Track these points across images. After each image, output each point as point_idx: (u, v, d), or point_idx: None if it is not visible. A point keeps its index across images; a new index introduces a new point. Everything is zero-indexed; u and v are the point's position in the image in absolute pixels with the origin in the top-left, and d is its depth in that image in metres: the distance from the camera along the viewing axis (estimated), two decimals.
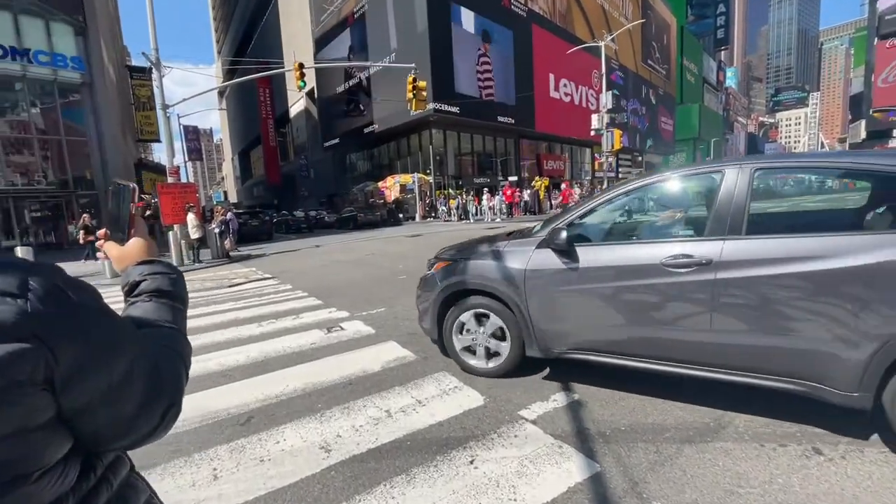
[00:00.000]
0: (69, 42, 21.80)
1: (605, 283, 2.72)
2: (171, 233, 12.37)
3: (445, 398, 3.00)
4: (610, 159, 22.84)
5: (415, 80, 13.70)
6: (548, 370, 3.31)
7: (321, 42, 38.75)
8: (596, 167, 24.98)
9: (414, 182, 26.19)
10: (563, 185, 28.11)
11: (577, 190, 27.79)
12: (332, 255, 12.72)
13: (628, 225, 3.56)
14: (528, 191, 26.04)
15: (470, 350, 3.39)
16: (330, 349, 4.20)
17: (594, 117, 22.66)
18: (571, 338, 2.92)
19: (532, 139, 37.90)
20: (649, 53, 54.04)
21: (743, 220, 2.39)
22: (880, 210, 2.56)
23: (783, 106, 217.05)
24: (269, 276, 9.58)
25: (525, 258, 2.99)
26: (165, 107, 12.41)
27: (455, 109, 27.87)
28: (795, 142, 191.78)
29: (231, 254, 13.98)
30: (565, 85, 38.33)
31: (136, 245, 0.87)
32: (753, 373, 2.39)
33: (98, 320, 0.57)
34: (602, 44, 22.79)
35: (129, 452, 0.72)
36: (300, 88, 12.20)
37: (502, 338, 3.21)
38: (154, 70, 12.12)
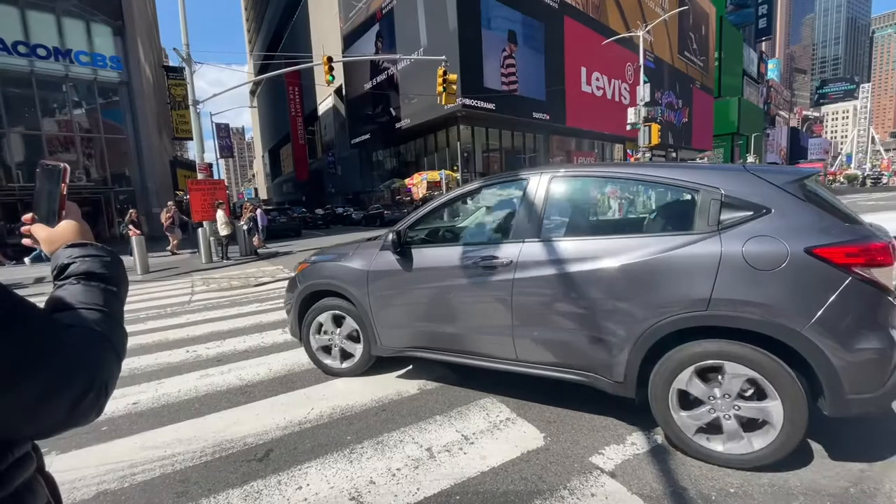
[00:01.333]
0: (108, 42, 22.40)
1: (430, 283, 2.90)
2: (200, 229, 12.35)
3: (497, 434, 2.52)
4: (647, 155, 21.71)
5: (445, 72, 13.21)
6: (605, 401, 2.77)
7: (349, 38, 38.76)
8: (633, 161, 23.80)
9: (441, 179, 25.70)
10: None
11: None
12: None
13: (458, 228, 3.72)
14: None
15: (326, 350, 3.52)
16: None
17: (630, 111, 21.59)
18: (406, 335, 3.09)
19: (562, 135, 36.82)
20: (686, 45, 51.73)
21: (540, 223, 2.60)
22: (653, 215, 2.81)
23: (829, 99, 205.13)
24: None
25: (369, 260, 3.18)
26: (195, 102, 12.37)
27: (490, 106, 27.28)
28: (843, 136, 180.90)
29: (259, 251, 13.90)
30: (597, 79, 37.01)
31: (66, 227, 0.82)
32: (551, 366, 2.56)
33: None
34: (640, 34, 21.69)
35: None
36: (329, 82, 11.92)
37: (357, 339, 3.38)
38: (185, 66, 12.09)
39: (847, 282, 1.89)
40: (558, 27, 32.34)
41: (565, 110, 33.42)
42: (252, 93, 79.41)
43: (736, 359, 2.02)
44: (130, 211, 14.76)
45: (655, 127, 21.08)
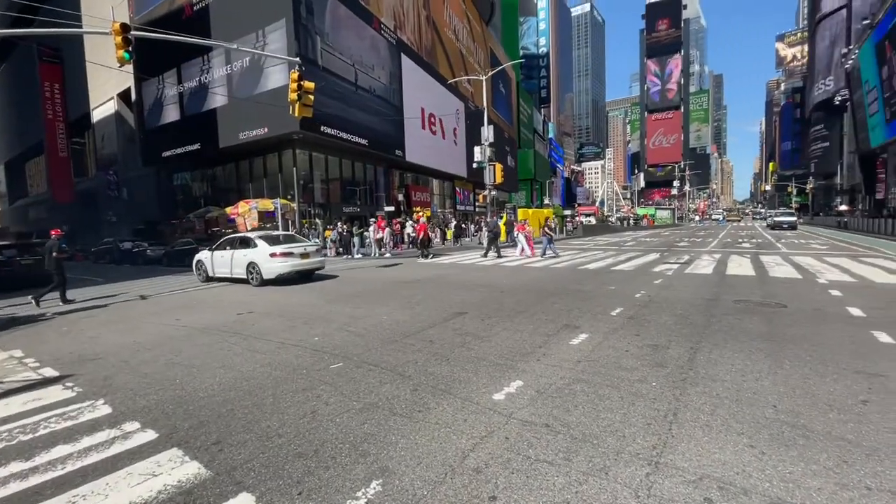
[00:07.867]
0: None
1: None
2: None
3: None
4: (493, 192, 22.65)
5: (300, 77, 10.63)
6: None
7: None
8: (480, 200, 24.64)
9: (277, 208, 21.74)
10: (421, 219, 26.79)
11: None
12: (174, 314, 8.42)
13: None
14: (411, 222, 24.14)
15: None
16: None
17: (476, 150, 22.32)
18: None
19: (403, 169, 36.66)
20: (498, 100, 59.27)
21: None
22: None
23: (586, 158, 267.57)
24: (55, 373, 5.21)
25: None
26: None
27: (336, 132, 24.73)
28: (597, 186, 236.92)
29: None
30: (431, 118, 38.50)
31: None
32: None
33: None
34: (483, 78, 22.88)
35: None
36: (124, 61, 7.96)
37: None
38: None
39: None
40: (396, 63, 32.40)
41: (405, 144, 33.32)
42: None
43: None
44: None
45: (499, 166, 22.17)
